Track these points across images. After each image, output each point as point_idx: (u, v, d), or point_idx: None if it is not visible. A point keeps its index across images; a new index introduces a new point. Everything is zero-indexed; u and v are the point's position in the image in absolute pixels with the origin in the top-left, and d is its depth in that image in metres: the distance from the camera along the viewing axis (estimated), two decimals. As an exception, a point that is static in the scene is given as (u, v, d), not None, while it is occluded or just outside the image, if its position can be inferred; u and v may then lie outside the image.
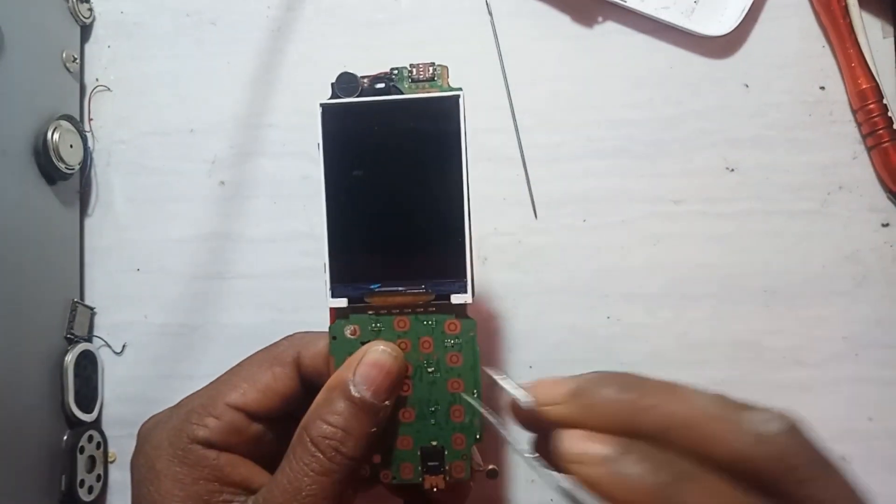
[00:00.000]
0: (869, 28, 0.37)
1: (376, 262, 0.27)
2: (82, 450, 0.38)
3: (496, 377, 0.24)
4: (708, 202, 0.38)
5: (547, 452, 0.22)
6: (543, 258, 0.38)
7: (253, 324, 0.40)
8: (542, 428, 0.23)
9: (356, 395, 0.24)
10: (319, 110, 0.27)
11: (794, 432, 0.20)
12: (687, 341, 0.37)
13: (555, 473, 0.21)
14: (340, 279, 0.27)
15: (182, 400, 0.28)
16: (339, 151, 0.27)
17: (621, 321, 0.37)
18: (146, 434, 0.27)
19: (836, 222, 0.37)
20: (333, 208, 0.27)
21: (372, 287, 0.27)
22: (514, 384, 0.24)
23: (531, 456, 0.23)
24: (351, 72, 0.27)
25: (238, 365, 0.29)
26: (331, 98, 0.27)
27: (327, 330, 0.27)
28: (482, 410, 0.26)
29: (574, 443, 0.21)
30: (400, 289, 0.26)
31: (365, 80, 0.27)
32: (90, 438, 0.38)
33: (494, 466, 0.26)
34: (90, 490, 0.38)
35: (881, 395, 0.36)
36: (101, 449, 0.39)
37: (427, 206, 0.26)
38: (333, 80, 0.27)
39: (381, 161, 0.26)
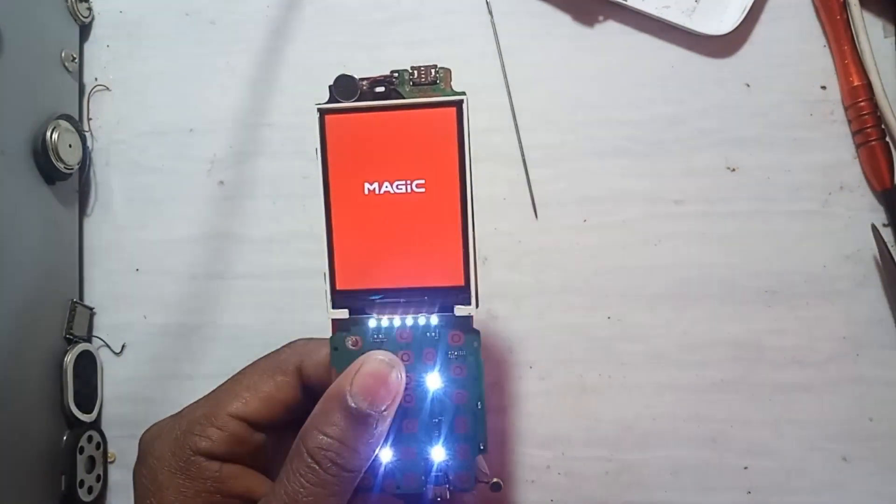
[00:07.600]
0: (870, 27, 0.36)
1: (378, 272, 0.26)
2: (82, 450, 0.38)
3: None
4: (708, 202, 0.37)
5: None
6: (543, 258, 0.38)
7: (253, 324, 0.40)
8: None
9: (353, 405, 0.24)
10: (317, 114, 0.25)
11: None
12: (687, 341, 0.37)
13: None
14: (341, 290, 0.26)
15: (184, 409, 0.28)
16: (338, 157, 0.26)
17: (621, 321, 0.37)
18: (148, 444, 0.27)
19: (836, 222, 0.37)
20: (333, 216, 0.26)
21: (374, 298, 0.26)
22: None
23: None
24: (349, 74, 0.25)
25: (240, 373, 0.28)
26: (328, 101, 0.26)
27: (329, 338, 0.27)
28: None
29: None
30: (402, 300, 0.26)
31: (364, 83, 0.26)
32: (90, 438, 0.38)
33: (499, 479, 0.26)
34: (90, 490, 0.38)
35: (881, 395, 0.36)
36: (101, 449, 0.39)
37: (430, 215, 0.26)
38: (331, 83, 0.26)
39: (382, 167, 0.26)
